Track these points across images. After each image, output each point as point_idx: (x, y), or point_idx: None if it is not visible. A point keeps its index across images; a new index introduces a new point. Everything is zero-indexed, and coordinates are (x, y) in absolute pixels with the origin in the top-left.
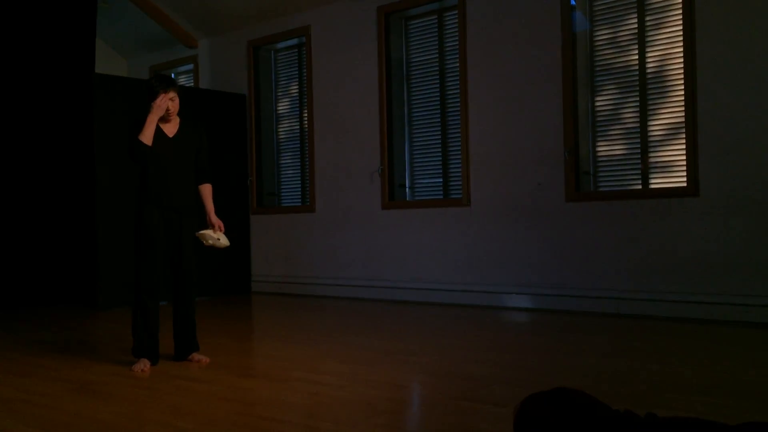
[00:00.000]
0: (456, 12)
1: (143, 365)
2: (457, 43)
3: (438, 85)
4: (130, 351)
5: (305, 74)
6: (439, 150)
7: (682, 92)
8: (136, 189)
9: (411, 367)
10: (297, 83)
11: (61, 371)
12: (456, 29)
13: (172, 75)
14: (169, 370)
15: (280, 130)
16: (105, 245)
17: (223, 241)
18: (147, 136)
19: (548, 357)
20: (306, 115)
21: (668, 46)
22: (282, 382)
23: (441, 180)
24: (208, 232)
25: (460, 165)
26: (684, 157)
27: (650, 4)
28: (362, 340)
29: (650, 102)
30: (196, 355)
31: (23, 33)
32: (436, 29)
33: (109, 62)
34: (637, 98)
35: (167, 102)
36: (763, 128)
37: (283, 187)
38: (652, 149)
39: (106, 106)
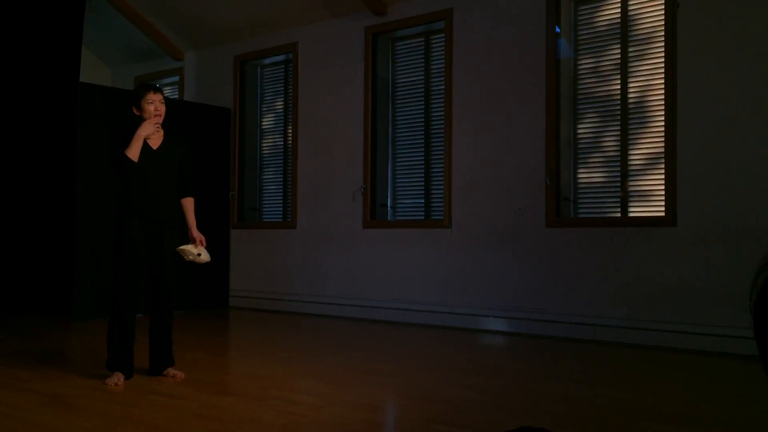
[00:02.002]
0: (443, 35)
1: (117, 379)
2: (443, 65)
3: (423, 107)
4: (104, 364)
5: (291, 90)
6: (422, 171)
7: (662, 122)
8: (118, 200)
9: (388, 388)
10: (282, 99)
11: (32, 382)
12: (442, 52)
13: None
14: (143, 384)
15: (264, 145)
16: (82, 255)
17: (204, 256)
18: (134, 152)
19: (524, 382)
20: (290, 131)
21: (650, 77)
22: (258, 401)
23: (423, 201)
24: (189, 247)
25: (442, 186)
26: (663, 187)
27: (633, 35)
28: (340, 359)
29: (631, 131)
30: (171, 370)
31: (8, 40)
32: (423, 51)
33: (93, 71)
34: (618, 127)
35: (158, 120)
36: (741, 160)
37: (264, 202)
38: (631, 177)
39: (89, 115)
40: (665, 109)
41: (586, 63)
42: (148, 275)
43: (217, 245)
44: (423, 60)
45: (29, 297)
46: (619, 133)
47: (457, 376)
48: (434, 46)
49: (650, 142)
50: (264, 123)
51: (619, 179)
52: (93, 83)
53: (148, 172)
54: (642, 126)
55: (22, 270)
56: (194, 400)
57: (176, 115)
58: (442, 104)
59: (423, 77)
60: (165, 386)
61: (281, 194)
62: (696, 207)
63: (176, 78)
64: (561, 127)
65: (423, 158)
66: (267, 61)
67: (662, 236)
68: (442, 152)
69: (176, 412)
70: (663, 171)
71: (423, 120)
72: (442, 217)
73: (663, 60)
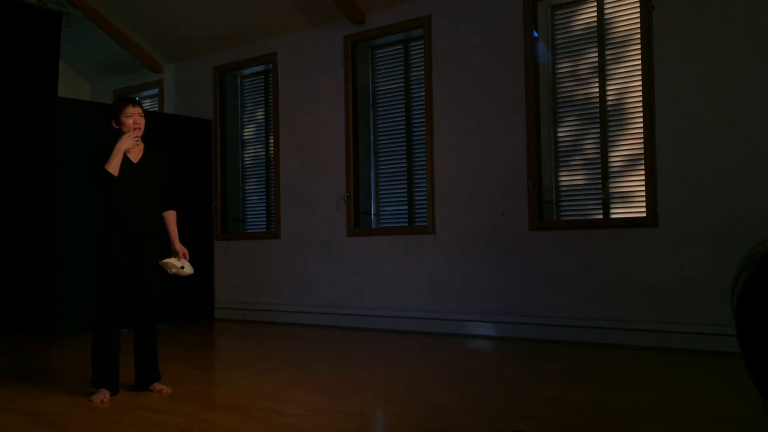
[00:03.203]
0: (422, 42)
1: (103, 396)
2: (422, 72)
3: (404, 114)
4: (89, 381)
5: (271, 100)
6: (405, 178)
7: (641, 124)
8: (100, 214)
9: (376, 396)
10: (263, 109)
11: (16, 401)
12: (422, 59)
13: (136, 99)
14: (129, 400)
15: (246, 155)
16: (65, 270)
17: (187, 269)
18: (114, 166)
19: (512, 386)
20: (272, 141)
21: (627, 79)
22: (246, 413)
23: (406, 207)
24: (172, 260)
25: (425, 193)
26: (643, 188)
27: (610, 38)
28: (327, 368)
29: (610, 133)
30: (157, 385)
31: None
32: (402, 58)
33: (72, 86)
34: (598, 129)
35: (137, 133)
36: (720, 160)
37: (248, 212)
38: (612, 179)
39: (68, 129)
40: (643, 111)
41: (564, 66)
42: (131, 290)
43: (201, 257)
44: (402, 67)
45: (12, 314)
46: (598, 135)
47: (445, 381)
48: (413, 53)
49: (630, 144)
50: (245, 133)
51: (600, 181)
52: (71, 98)
53: (128, 186)
54: (621, 128)
55: (3, 287)
56: (181, 414)
57: (157, 127)
58: (423, 111)
59: (403, 84)
60: (151, 401)
61: (264, 204)
62: (677, 207)
63: (156, 90)
64: (541, 131)
65: (405, 165)
66: (247, 71)
67: (644, 237)
68: (424, 158)
69: (163, 427)
70: (643, 172)
71: (404, 127)
72: (425, 224)
73: (640, 62)
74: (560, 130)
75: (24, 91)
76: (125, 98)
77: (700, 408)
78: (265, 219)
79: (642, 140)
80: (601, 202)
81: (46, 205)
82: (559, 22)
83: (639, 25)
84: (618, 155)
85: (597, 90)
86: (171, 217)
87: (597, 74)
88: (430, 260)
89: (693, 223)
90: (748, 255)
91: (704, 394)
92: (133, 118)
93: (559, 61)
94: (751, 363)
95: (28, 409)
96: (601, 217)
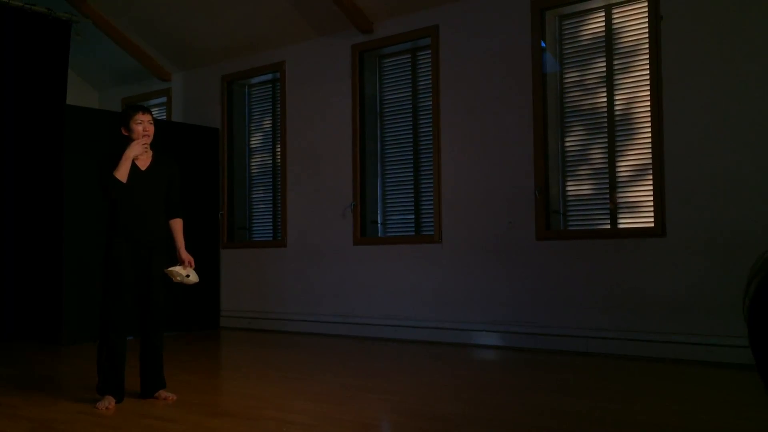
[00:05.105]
0: (429, 52)
1: (108, 403)
2: (430, 81)
3: (411, 123)
4: (94, 388)
5: (279, 109)
6: (411, 187)
7: (649, 134)
8: (106, 222)
9: (382, 405)
10: (270, 118)
11: (21, 409)
12: (429, 68)
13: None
14: (135, 408)
15: (253, 164)
16: (70, 278)
17: (192, 277)
18: (122, 173)
19: (518, 396)
20: (279, 149)
21: (635, 89)
22: (251, 421)
23: (413, 216)
24: (177, 268)
25: (432, 202)
26: (651, 198)
27: (618, 47)
28: (333, 377)
29: (618, 143)
30: (163, 393)
31: None
32: (410, 68)
33: (80, 94)
34: (605, 139)
35: (146, 140)
36: (728, 170)
37: (254, 221)
38: (619, 189)
39: (76, 138)
40: (651, 121)
41: (572, 76)
42: (136, 297)
43: (207, 265)
44: (410, 76)
45: (17, 323)
46: (606, 145)
47: (451, 391)
48: (421, 62)
49: (637, 154)
50: (252, 142)
51: (607, 191)
52: (80, 106)
53: (136, 193)
54: (629, 137)
55: (8, 295)
56: (186, 422)
57: (164, 135)
58: (430, 120)
59: (410, 93)
60: (157, 409)
61: (271, 213)
62: (685, 217)
63: (164, 99)
64: (549, 140)
65: (412, 174)
66: (254, 80)
67: (652, 247)
68: (431, 167)
69: None
70: (651, 182)
71: (411, 136)
72: (432, 233)
73: (648, 72)
74: (568, 139)
75: (33, 98)
76: (135, 105)
77: (707, 420)
78: (271, 227)
79: (650, 150)
80: (608, 211)
81: (52, 213)
82: (566, 31)
83: (647, 35)
84: (626, 165)
85: (605, 99)
86: (177, 225)
87: (605, 84)
88: (436, 269)
89: (701, 234)
90: (759, 260)
91: (712, 405)
92: (143, 125)
93: (566, 71)
94: (763, 368)
95: (33, 416)
96: (608, 226)
